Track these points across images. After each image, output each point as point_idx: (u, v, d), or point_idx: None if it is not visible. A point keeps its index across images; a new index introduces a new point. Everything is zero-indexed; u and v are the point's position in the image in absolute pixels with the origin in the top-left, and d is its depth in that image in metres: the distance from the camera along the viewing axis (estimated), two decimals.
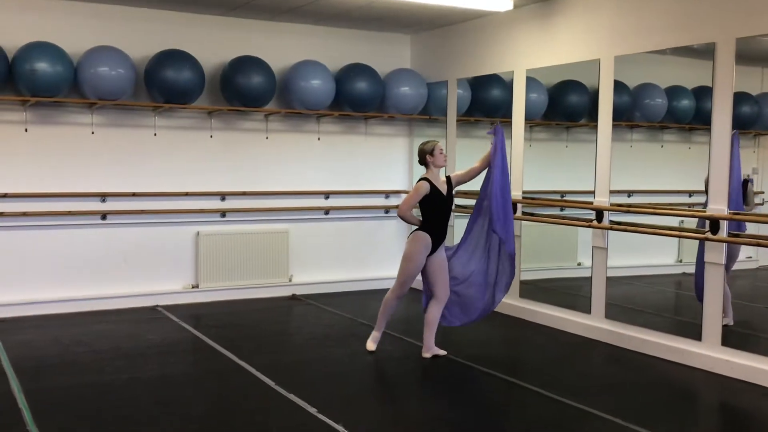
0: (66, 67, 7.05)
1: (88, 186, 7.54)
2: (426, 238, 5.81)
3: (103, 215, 7.61)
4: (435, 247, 5.87)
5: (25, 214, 7.25)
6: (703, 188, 5.93)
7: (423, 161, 5.90)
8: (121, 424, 4.56)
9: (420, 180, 5.87)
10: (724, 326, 5.85)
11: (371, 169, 8.94)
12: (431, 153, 5.83)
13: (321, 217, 8.67)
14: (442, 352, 6.05)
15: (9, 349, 6.05)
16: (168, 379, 5.45)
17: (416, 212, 5.93)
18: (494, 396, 5.28)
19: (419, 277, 6.00)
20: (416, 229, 5.90)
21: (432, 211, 5.86)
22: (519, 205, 7.50)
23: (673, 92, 7.65)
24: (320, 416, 4.64)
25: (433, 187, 5.82)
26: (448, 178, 5.99)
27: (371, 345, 6.17)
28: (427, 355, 6.03)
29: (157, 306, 7.78)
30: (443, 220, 5.90)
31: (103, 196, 7.60)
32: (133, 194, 7.71)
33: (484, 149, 6.02)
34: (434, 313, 5.97)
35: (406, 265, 5.87)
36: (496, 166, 5.91)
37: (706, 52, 5.83)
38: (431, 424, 4.67)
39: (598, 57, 6.69)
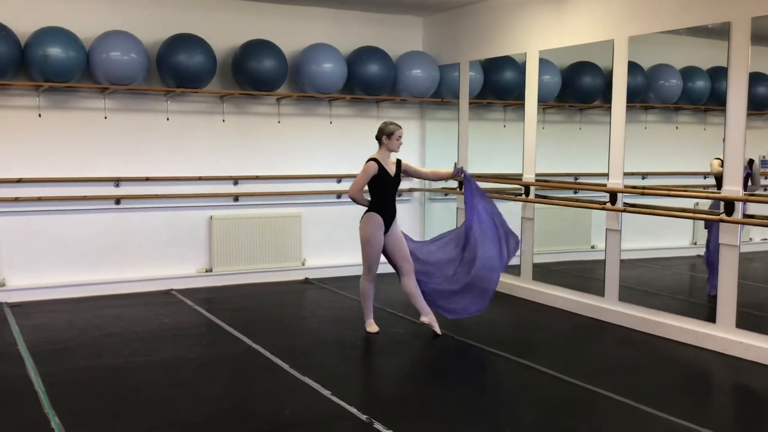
0: (78, 52, 7.07)
1: (102, 171, 7.58)
2: (377, 219, 5.96)
3: (117, 200, 7.65)
4: (388, 225, 6.01)
5: (40, 199, 7.29)
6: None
7: (379, 139, 6.03)
8: (137, 405, 4.60)
9: (369, 160, 5.99)
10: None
11: None
12: (389, 136, 5.96)
13: (333, 201, 8.67)
14: (435, 325, 6.14)
15: (25, 333, 6.11)
16: (183, 361, 5.49)
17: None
18: (506, 378, 5.29)
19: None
20: (366, 211, 6.02)
21: (380, 190, 6.00)
22: (532, 188, 7.48)
23: (688, 73, 7.58)
24: (334, 398, 4.66)
25: (381, 167, 5.95)
26: (398, 161, 6.13)
27: (372, 327, 6.23)
28: (425, 319, 6.14)
29: (171, 290, 7.82)
30: (391, 199, 6.06)
31: (117, 181, 7.64)
32: (147, 179, 7.74)
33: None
34: (410, 284, 6.09)
35: (367, 248, 6.00)
36: (472, 207, 6.12)
37: (721, 32, 5.77)
38: (444, 406, 4.68)
39: (612, 37, 6.63)
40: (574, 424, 4.43)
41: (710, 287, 6.58)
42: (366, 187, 6.03)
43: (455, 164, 6.27)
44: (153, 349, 5.76)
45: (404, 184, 6.53)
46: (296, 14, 8.41)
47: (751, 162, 6.13)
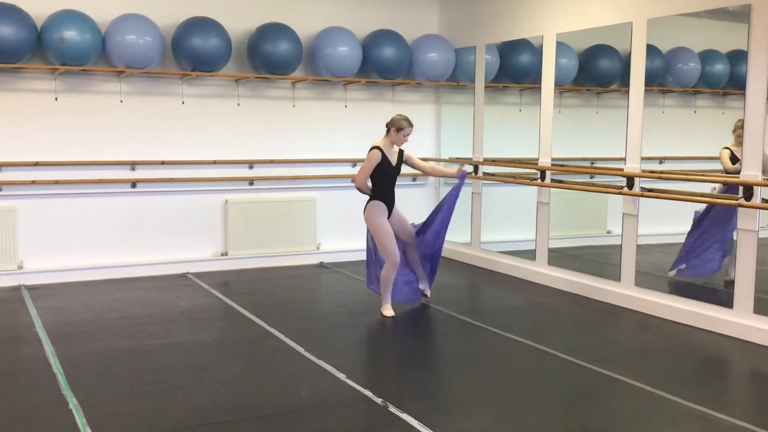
0: (94, 35, 7.07)
1: (118, 154, 7.60)
2: (380, 205, 6.13)
3: (133, 183, 7.68)
4: (390, 210, 6.19)
5: (56, 182, 7.33)
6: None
7: (388, 128, 6.14)
8: (153, 387, 4.64)
9: (372, 148, 6.10)
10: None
11: None
12: (398, 130, 6.08)
13: (348, 185, 8.65)
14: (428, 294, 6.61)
15: (42, 315, 6.17)
16: (199, 344, 5.52)
17: None
18: (522, 363, 5.28)
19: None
20: (369, 200, 6.16)
21: (381, 177, 6.13)
22: (548, 173, 7.44)
23: (707, 56, 7.50)
24: (348, 381, 4.68)
25: (384, 155, 6.08)
26: (401, 151, 6.25)
27: (388, 311, 6.25)
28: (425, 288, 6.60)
29: (187, 273, 7.86)
30: (391, 187, 6.21)
31: (133, 165, 7.66)
32: (162, 162, 7.76)
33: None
34: (415, 257, 6.46)
35: (380, 235, 6.12)
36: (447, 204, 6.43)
37: (741, 15, 5.69)
38: (459, 390, 4.69)
39: (631, 20, 6.56)
40: (590, 409, 4.43)
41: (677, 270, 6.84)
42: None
43: (460, 168, 6.44)
44: (169, 331, 5.80)
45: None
46: None
47: None
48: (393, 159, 6.17)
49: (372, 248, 6.40)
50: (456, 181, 6.50)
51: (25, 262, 7.32)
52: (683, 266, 6.89)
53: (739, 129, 6.06)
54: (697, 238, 6.82)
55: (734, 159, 6.43)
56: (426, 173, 6.70)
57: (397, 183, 6.27)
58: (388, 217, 6.18)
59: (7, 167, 7.17)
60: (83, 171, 7.46)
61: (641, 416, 4.29)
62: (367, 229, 6.31)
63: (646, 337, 5.95)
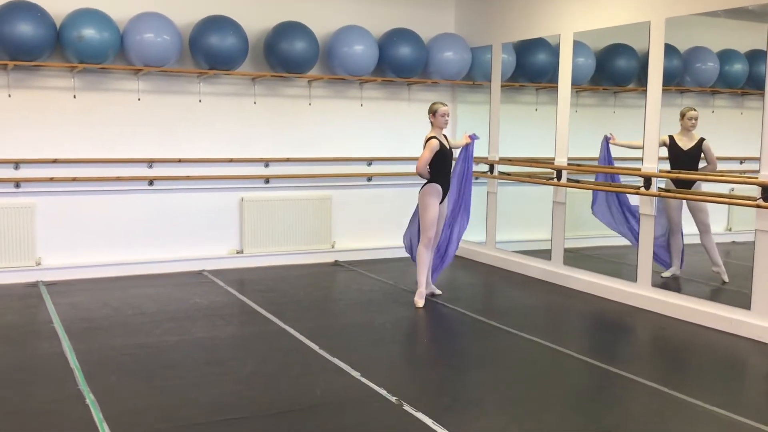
0: (112, 33, 7.12)
1: (135, 152, 7.65)
2: (437, 187, 6.42)
3: (150, 181, 7.72)
4: (444, 196, 6.47)
5: (74, 180, 7.39)
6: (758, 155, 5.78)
7: (431, 121, 6.51)
8: (170, 383, 4.67)
9: (430, 137, 6.42)
10: (671, 277, 6.83)
11: (414, 135, 8.83)
12: (434, 113, 6.44)
13: (364, 184, 8.67)
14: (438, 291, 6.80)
15: (60, 312, 6.22)
16: (215, 341, 5.55)
17: None
18: (538, 363, 5.27)
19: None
20: (426, 182, 6.42)
21: (439, 162, 6.41)
22: (564, 173, 7.41)
23: (725, 56, 7.45)
24: (363, 380, 4.69)
25: (440, 143, 6.40)
26: (444, 136, 6.59)
27: (419, 302, 6.37)
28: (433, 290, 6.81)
29: (203, 270, 7.90)
30: (448, 171, 6.54)
31: (150, 162, 7.71)
32: (179, 160, 7.80)
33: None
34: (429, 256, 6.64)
35: (425, 214, 6.42)
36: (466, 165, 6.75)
37: (761, 14, 5.65)
38: (474, 390, 4.68)
39: (649, 19, 6.52)
40: (606, 410, 4.41)
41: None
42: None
43: (466, 135, 6.72)
44: (185, 328, 5.83)
45: None
46: None
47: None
48: (446, 144, 6.50)
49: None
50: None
51: (44, 258, 7.39)
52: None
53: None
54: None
55: (674, 147, 6.66)
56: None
57: (413, 182, 6.30)
58: (441, 201, 6.44)
59: (26, 164, 7.23)
60: (101, 168, 7.52)
61: (658, 418, 4.27)
62: (415, 210, 6.68)
63: (663, 338, 5.92)
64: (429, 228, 6.42)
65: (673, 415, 4.28)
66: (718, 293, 6.69)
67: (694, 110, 6.74)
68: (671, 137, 6.73)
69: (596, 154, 7.37)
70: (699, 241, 6.82)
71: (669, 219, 6.85)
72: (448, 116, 6.49)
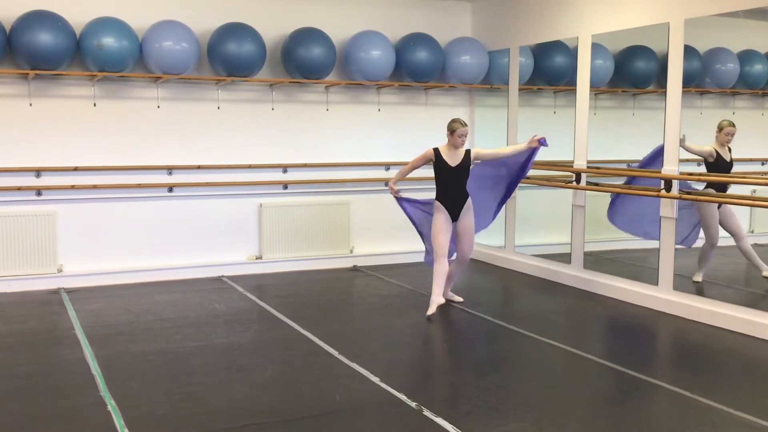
0: (132, 41, 7.18)
1: (155, 159, 7.70)
2: (440, 206, 6.31)
3: (170, 188, 7.77)
4: (455, 213, 6.30)
5: (95, 187, 7.45)
6: None
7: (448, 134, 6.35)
8: (190, 389, 4.68)
9: (432, 148, 6.36)
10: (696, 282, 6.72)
11: (432, 140, 8.78)
12: (451, 133, 6.23)
13: (382, 189, 8.66)
14: (458, 299, 6.74)
15: (81, 318, 6.26)
16: (235, 346, 5.56)
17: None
18: (558, 367, 5.23)
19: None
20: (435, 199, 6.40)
21: (440, 179, 6.33)
22: (583, 175, 7.36)
23: (746, 57, 7.38)
24: (382, 385, 4.68)
25: (439, 156, 6.28)
26: (467, 151, 6.35)
27: (431, 308, 6.27)
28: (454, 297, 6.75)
29: (223, 276, 7.93)
30: (452, 188, 6.31)
31: (170, 169, 7.75)
32: (198, 167, 7.84)
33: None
34: (451, 268, 6.51)
35: (432, 227, 6.38)
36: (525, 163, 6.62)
37: None
38: (495, 395, 4.65)
39: (668, 20, 6.47)
40: (629, 415, 4.37)
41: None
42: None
43: (534, 138, 6.51)
44: (205, 334, 5.85)
45: None
46: (344, 2, 8.40)
47: None
48: (453, 161, 6.28)
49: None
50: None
51: (65, 265, 7.45)
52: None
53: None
54: None
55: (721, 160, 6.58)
56: (503, 157, 6.68)
57: (431, 186, 6.27)
58: (455, 220, 6.32)
59: (47, 172, 7.30)
60: (121, 175, 7.57)
61: (681, 422, 4.22)
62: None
63: (684, 342, 5.86)
64: (433, 241, 6.34)
65: (697, 420, 4.23)
66: (740, 296, 6.61)
67: (733, 126, 6.64)
68: (715, 149, 6.62)
69: (616, 156, 7.31)
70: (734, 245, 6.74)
71: (706, 228, 6.74)
72: (465, 137, 6.27)
